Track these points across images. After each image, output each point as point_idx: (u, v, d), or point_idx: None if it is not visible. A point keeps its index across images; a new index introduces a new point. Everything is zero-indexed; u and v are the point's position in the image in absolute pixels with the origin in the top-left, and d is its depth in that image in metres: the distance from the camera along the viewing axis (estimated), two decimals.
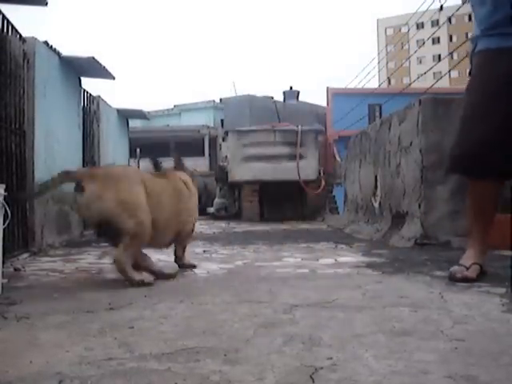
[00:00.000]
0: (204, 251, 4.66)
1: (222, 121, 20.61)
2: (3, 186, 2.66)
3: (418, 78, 26.76)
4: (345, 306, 2.19)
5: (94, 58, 6.03)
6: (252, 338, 1.73)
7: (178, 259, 3.55)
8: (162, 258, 4.22)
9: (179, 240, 3.45)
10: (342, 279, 2.90)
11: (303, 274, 3.04)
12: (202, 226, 9.18)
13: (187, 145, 24.36)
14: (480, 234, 2.90)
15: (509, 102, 2.65)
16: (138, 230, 2.76)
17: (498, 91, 2.69)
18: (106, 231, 2.82)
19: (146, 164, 23.44)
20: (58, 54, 5.67)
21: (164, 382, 1.34)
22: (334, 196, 12.94)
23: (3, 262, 2.81)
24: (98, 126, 7.74)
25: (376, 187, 6.25)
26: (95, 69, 6.40)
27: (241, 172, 10.44)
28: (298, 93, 20.58)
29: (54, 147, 5.33)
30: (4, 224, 2.66)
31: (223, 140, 12.94)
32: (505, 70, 2.67)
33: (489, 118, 2.69)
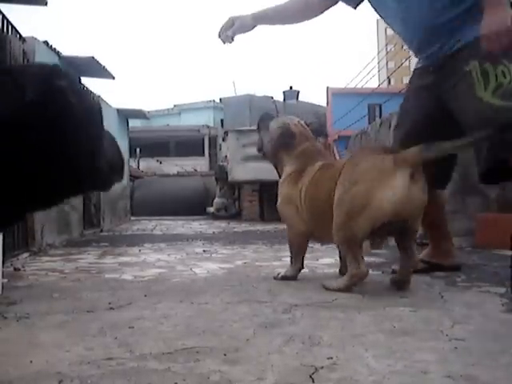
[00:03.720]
0: (204, 251, 4.66)
1: (221, 120, 20.61)
2: None
3: None
4: (344, 306, 2.19)
5: (93, 57, 6.04)
6: (252, 337, 1.73)
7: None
8: (162, 257, 4.23)
9: None
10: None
11: (303, 273, 3.04)
12: (201, 226, 9.18)
13: (187, 144, 24.37)
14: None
15: (418, 112, 2.93)
16: None
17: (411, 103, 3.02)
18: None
19: (145, 163, 23.37)
20: (58, 53, 5.67)
21: (164, 381, 1.34)
22: None
23: (3, 262, 2.81)
24: None
25: None
26: (95, 68, 6.41)
27: (241, 172, 10.44)
28: (298, 93, 20.56)
29: None
30: None
31: (223, 140, 12.95)
32: (415, 85, 3.00)
33: (402, 126, 3.04)
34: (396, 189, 2.28)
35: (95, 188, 1.17)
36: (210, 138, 24.63)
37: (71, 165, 0.94)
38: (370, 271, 3.16)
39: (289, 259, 3.04)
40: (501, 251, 3.72)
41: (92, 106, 1.00)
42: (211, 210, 12.77)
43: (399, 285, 2.57)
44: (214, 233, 7.34)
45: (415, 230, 2.51)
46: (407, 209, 2.32)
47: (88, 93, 1.04)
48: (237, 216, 11.55)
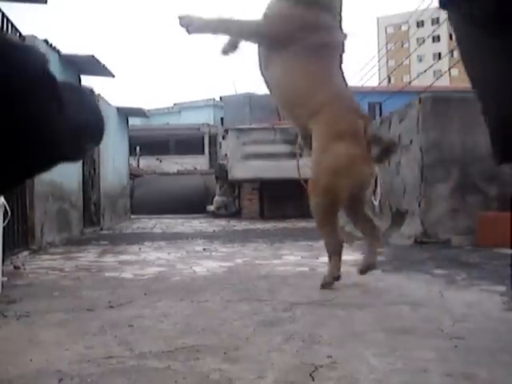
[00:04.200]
0: (204, 249, 4.66)
1: (221, 119, 20.59)
2: None
3: (418, 76, 26.73)
4: (344, 304, 2.19)
5: (93, 56, 6.04)
6: (252, 336, 1.73)
7: None
8: (162, 256, 4.23)
9: None
10: (342, 277, 2.90)
11: (303, 272, 3.05)
12: (201, 224, 9.18)
13: (187, 143, 24.33)
14: None
15: None
16: None
17: None
18: None
19: (145, 162, 23.30)
20: (58, 52, 5.66)
21: (164, 380, 1.34)
22: None
23: (3, 260, 2.81)
24: None
25: (376, 185, 6.24)
26: (95, 67, 6.40)
27: (241, 170, 10.44)
28: None
29: None
30: (4, 222, 2.66)
31: (223, 138, 12.94)
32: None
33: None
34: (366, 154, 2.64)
35: (61, 160, 0.94)
36: (210, 137, 24.58)
37: (8, 150, 0.77)
38: None
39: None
40: (501, 250, 3.72)
41: (19, 77, 0.66)
42: (211, 208, 12.77)
43: (366, 268, 2.73)
44: (214, 231, 7.34)
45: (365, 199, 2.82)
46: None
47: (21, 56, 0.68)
48: (237, 214, 11.56)
